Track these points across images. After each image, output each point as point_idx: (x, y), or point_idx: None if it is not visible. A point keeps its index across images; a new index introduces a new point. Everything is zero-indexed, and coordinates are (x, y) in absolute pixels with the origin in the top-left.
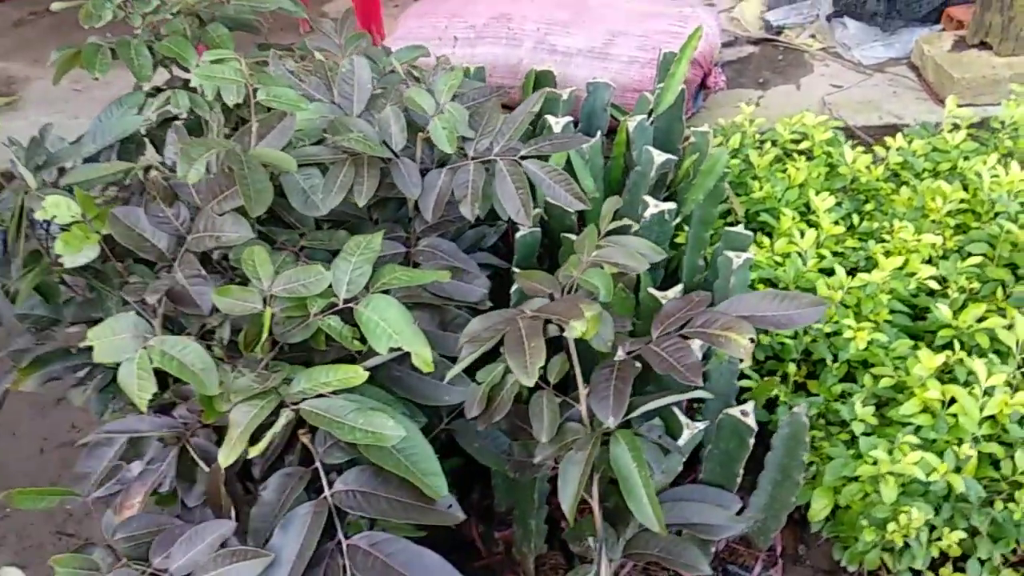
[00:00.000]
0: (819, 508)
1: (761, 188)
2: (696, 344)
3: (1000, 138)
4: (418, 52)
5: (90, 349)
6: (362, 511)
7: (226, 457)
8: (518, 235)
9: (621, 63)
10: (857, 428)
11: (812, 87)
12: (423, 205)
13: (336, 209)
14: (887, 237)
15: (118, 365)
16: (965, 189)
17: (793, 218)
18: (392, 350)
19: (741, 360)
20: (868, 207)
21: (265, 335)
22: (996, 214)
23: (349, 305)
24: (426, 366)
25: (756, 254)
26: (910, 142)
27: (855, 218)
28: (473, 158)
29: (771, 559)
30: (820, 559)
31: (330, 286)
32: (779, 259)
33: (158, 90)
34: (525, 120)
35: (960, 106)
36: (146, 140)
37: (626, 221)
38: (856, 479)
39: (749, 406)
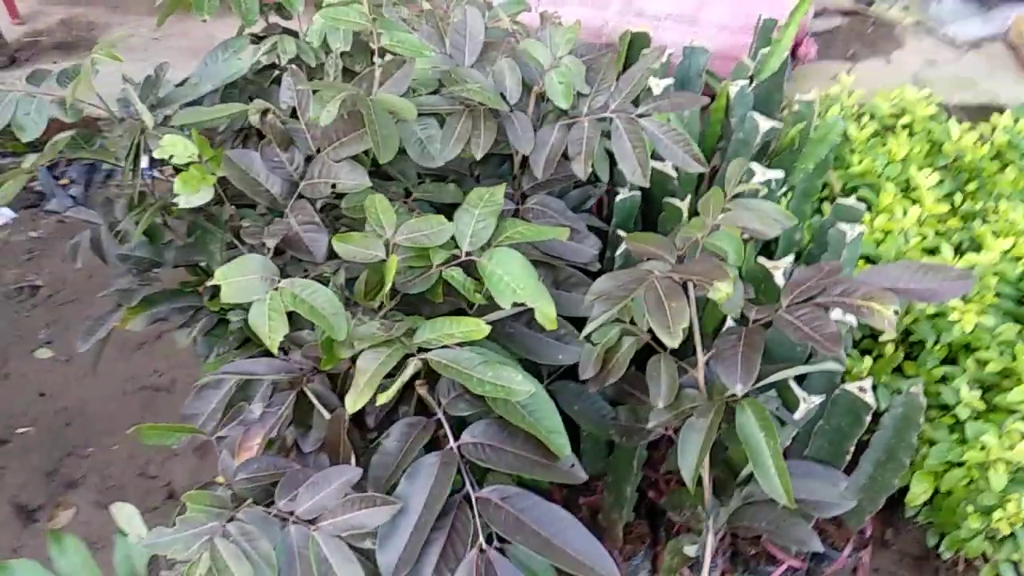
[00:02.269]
0: (918, 492)
1: (860, 162)
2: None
3: None
4: (521, 6)
5: (194, 292)
6: (489, 464)
7: (353, 403)
8: (619, 198)
9: (711, 29)
10: (963, 413)
11: (903, 62)
12: (534, 161)
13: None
14: (992, 218)
15: (228, 309)
16: None
17: (895, 194)
18: (515, 305)
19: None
20: (971, 187)
21: (388, 284)
22: None
23: (472, 258)
24: (550, 323)
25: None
26: (1016, 121)
27: (957, 197)
28: (587, 115)
29: (862, 541)
30: (909, 544)
31: (452, 238)
32: (880, 236)
33: (259, 38)
34: (644, 78)
35: None
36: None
37: (753, 185)
38: (961, 464)
39: (867, 382)
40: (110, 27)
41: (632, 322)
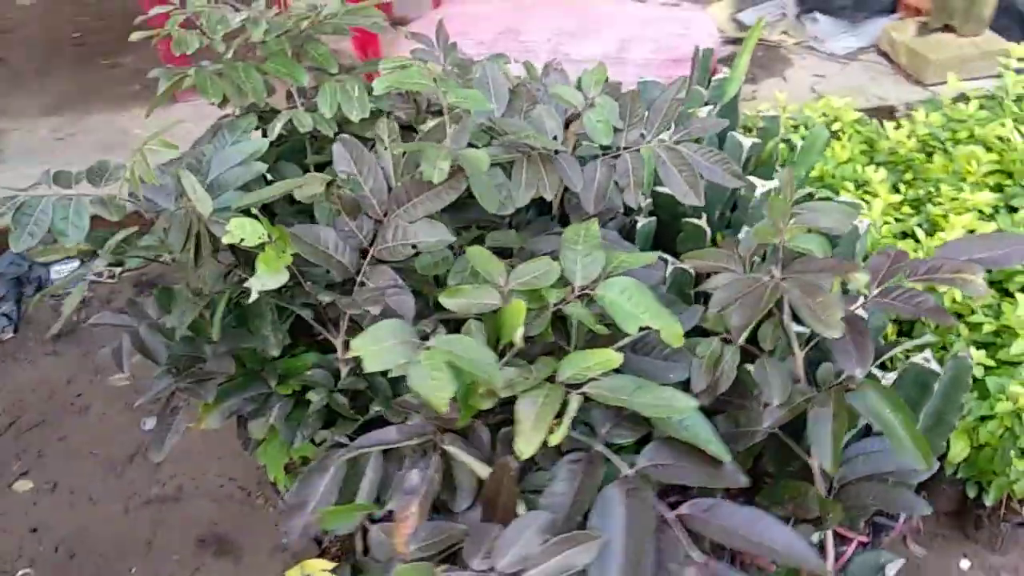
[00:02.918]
0: (957, 450)
1: (813, 168)
2: None
3: (1007, 105)
4: (502, 59)
5: (259, 379)
6: (671, 482)
7: (525, 448)
8: (640, 224)
9: (637, 66)
10: (978, 371)
11: (797, 79)
12: (585, 197)
13: (460, 214)
14: (938, 200)
15: (305, 389)
16: (989, 151)
17: (854, 191)
18: (641, 329)
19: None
20: (907, 176)
21: (520, 328)
22: None
23: (587, 292)
24: (677, 341)
25: None
26: (927, 115)
27: (902, 188)
28: (625, 148)
29: None
30: (943, 503)
31: (561, 276)
32: None
33: (262, 113)
34: (671, 108)
35: (934, 84)
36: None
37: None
38: (992, 417)
39: (929, 352)
40: (4, 133)
41: (726, 331)
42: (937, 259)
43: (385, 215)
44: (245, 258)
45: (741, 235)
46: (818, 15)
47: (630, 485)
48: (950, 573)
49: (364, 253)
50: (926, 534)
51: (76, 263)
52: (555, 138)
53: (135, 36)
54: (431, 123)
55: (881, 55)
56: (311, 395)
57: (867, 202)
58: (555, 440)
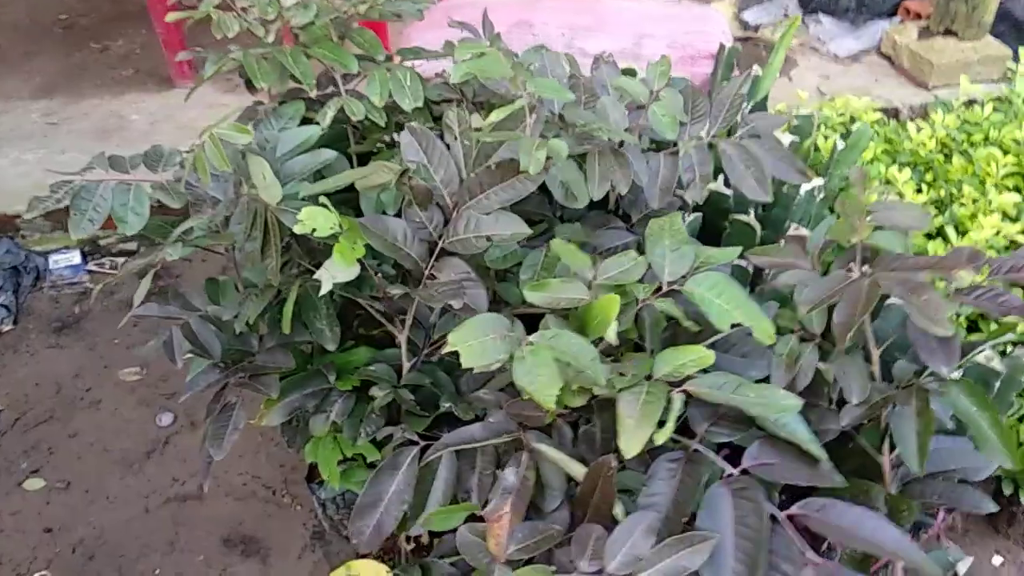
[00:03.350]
0: None
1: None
2: None
3: (1020, 108)
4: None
5: (319, 374)
6: (775, 480)
7: (630, 447)
8: (686, 221)
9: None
10: None
11: (803, 79)
12: (649, 192)
13: (517, 207)
14: (962, 201)
15: (366, 384)
16: (1006, 154)
17: (881, 192)
18: (734, 326)
19: None
20: (928, 177)
21: (614, 324)
22: None
23: (674, 287)
24: (769, 338)
25: None
26: (944, 117)
27: (924, 188)
28: (690, 142)
29: None
30: None
31: (648, 270)
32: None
33: (310, 101)
34: (735, 103)
35: (937, 87)
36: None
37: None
38: None
39: (991, 350)
40: None
41: (803, 328)
42: (1015, 258)
43: (455, 206)
44: (307, 249)
45: (792, 231)
46: (822, 17)
47: (738, 485)
48: (982, 570)
49: (432, 245)
50: (959, 531)
51: (75, 252)
52: (626, 130)
53: (171, 17)
54: (496, 114)
55: (883, 57)
56: (375, 391)
57: None
58: (661, 438)
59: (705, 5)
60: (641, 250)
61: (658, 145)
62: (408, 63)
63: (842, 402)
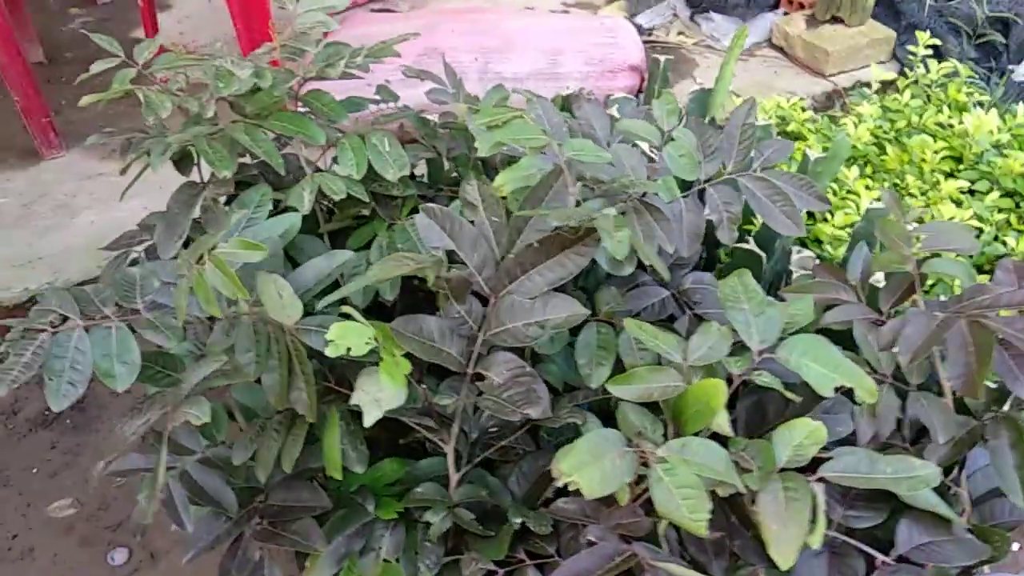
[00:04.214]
0: None
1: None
2: None
3: (934, 92)
4: (502, 91)
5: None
6: (932, 562)
7: (786, 556)
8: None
9: (574, 80)
10: None
11: (706, 77)
12: (678, 240)
13: None
14: (913, 192)
15: (415, 510)
16: (935, 139)
17: (833, 191)
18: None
19: None
20: (868, 171)
21: (723, 412)
22: (978, 156)
23: (768, 356)
24: (872, 396)
25: (820, 228)
26: (869, 109)
27: (868, 181)
28: (706, 181)
29: None
30: None
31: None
32: (843, 232)
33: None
34: (748, 136)
35: (833, 74)
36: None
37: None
38: None
39: None
40: None
41: (872, 369)
42: None
43: (494, 293)
44: (331, 366)
45: (796, 255)
46: (712, 14)
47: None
48: None
49: (472, 340)
50: None
51: None
52: (649, 178)
53: (85, 101)
54: (509, 177)
55: (776, 49)
56: (429, 516)
57: (854, 202)
58: (816, 542)
59: (614, 17)
60: (683, 308)
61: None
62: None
63: (915, 440)
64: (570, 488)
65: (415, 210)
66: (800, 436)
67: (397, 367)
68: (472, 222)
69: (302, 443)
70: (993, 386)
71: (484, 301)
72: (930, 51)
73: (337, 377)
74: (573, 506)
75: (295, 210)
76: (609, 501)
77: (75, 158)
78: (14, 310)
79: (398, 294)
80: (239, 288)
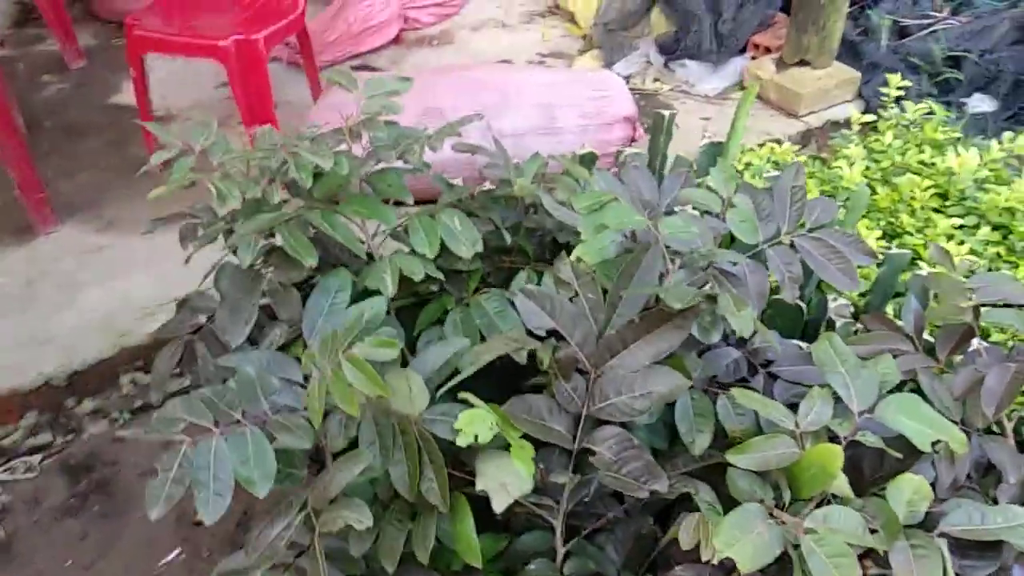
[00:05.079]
0: None
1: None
2: None
3: (914, 133)
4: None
5: None
6: None
7: None
8: None
9: (573, 134)
10: None
11: (687, 124)
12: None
13: None
14: (910, 231)
15: None
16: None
17: None
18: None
19: None
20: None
21: (837, 477)
22: (962, 192)
23: (869, 416)
24: (963, 447)
25: None
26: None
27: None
28: (764, 242)
29: None
30: None
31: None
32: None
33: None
34: (795, 196)
35: (805, 115)
36: None
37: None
38: None
39: None
40: None
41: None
42: None
43: (595, 368)
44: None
45: (833, 304)
46: (686, 61)
47: None
48: None
49: (577, 416)
50: None
51: None
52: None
53: (153, 195)
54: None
55: None
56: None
57: None
58: None
59: (603, 70)
60: (753, 368)
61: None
62: None
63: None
64: (717, 560)
65: (483, 282)
66: (909, 492)
67: (524, 451)
68: (571, 300)
69: (434, 533)
70: None
71: (585, 376)
72: (901, 92)
73: (452, 462)
74: (691, 572)
75: (375, 293)
76: (727, 568)
77: (71, 232)
78: (29, 395)
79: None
80: (380, 386)
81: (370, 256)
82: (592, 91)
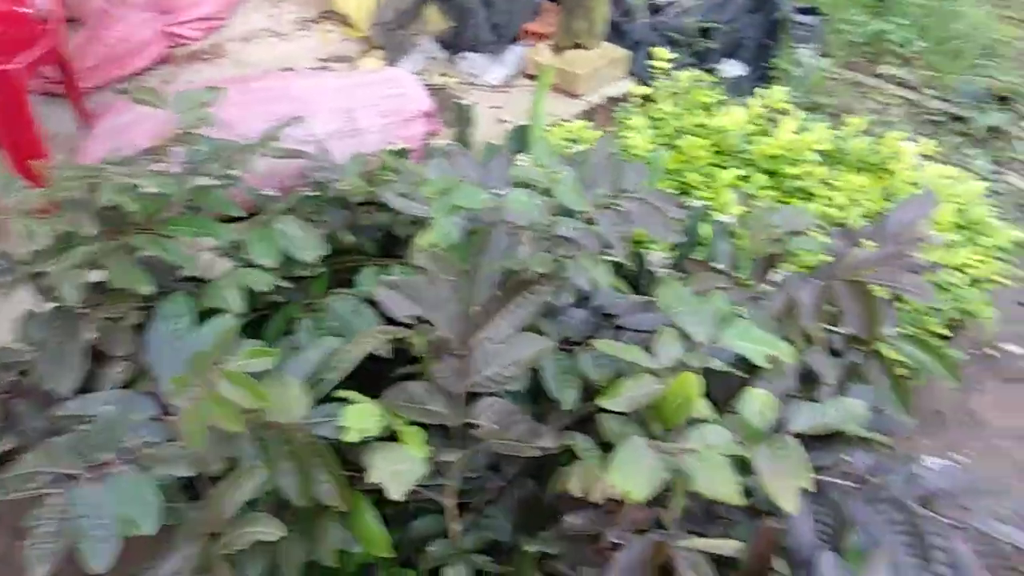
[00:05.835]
0: None
1: None
2: None
3: (685, 99)
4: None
5: None
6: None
7: (790, 501)
8: None
9: (375, 133)
10: None
11: (480, 115)
12: None
13: None
14: (698, 187)
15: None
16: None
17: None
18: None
19: None
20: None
21: (701, 399)
22: (735, 147)
23: (711, 345)
24: (793, 357)
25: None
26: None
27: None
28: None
29: None
30: None
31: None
32: None
33: None
34: (611, 164)
35: (585, 95)
36: None
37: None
38: None
39: None
40: None
41: None
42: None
43: (466, 345)
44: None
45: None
46: (467, 53)
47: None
48: None
49: (456, 393)
50: None
51: None
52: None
53: None
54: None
55: (531, 79)
56: (450, 572)
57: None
58: (809, 485)
59: (394, 69)
60: (600, 324)
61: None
62: None
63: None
64: (609, 497)
65: (329, 286)
66: (758, 404)
67: (415, 436)
68: (431, 285)
69: (337, 534)
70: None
71: (458, 355)
72: (670, 64)
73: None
74: (580, 520)
75: (216, 313)
76: (610, 507)
77: None
78: None
79: None
80: (264, 396)
81: (196, 279)
82: (387, 90)
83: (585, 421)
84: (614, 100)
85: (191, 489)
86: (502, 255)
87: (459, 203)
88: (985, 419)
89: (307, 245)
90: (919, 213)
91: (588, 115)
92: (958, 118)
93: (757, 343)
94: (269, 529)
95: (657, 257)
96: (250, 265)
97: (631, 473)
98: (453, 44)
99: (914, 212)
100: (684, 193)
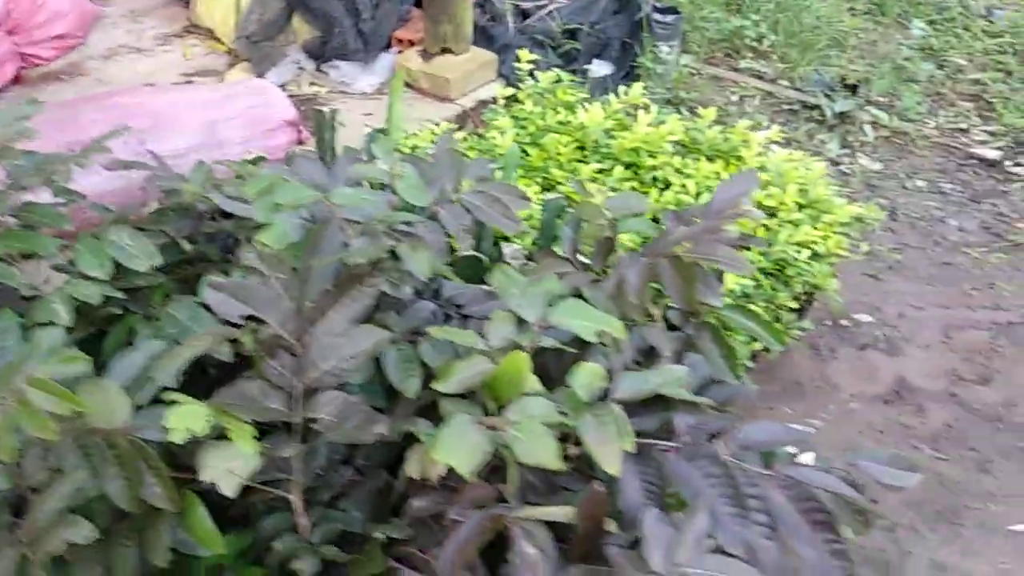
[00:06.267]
0: None
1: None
2: None
3: (548, 99)
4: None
5: None
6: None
7: (614, 463)
8: None
9: (238, 144)
10: None
11: (351, 122)
12: None
13: None
14: (561, 181)
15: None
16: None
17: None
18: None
19: None
20: (519, 171)
21: (532, 376)
22: (596, 143)
23: (544, 325)
24: (622, 332)
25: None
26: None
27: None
28: (435, 203)
29: None
30: None
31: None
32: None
33: None
34: (455, 160)
35: (457, 98)
36: None
37: None
38: None
39: None
40: None
41: None
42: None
43: (301, 341)
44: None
45: (508, 250)
46: (337, 62)
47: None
48: None
49: (293, 390)
50: None
51: None
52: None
53: None
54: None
55: (406, 86)
56: (297, 565)
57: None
58: (630, 446)
59: (258, 80)
60: (448, 315)
61: None
62: None
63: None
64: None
65: (169, 296)
66: (586, 376)
67: (243, 431)
68: (262, 284)
69: (168, 536)
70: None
71: (292, 351)
72: (532, 65)
73: (173, 467)
74: (424, 502)
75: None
76: (454, 487)
77: None
78: None
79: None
80: (77, 401)
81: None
82: (251, 101)
83: (432, 412)
84: (485, 103)
85: (16, 506)
86: (336, 251)
87: (280, 201)
88: (840, 385)
89: (139, 253)
90: (741, 191)
91: (460, 119)
92: (811, 106)
93: (586, 320)
94: (82, 532)
95: (512, 249)
96: (85, 277)
97: (455, 448)
98: (321, 54)
99: (737, 190)
100: (549, 188)
